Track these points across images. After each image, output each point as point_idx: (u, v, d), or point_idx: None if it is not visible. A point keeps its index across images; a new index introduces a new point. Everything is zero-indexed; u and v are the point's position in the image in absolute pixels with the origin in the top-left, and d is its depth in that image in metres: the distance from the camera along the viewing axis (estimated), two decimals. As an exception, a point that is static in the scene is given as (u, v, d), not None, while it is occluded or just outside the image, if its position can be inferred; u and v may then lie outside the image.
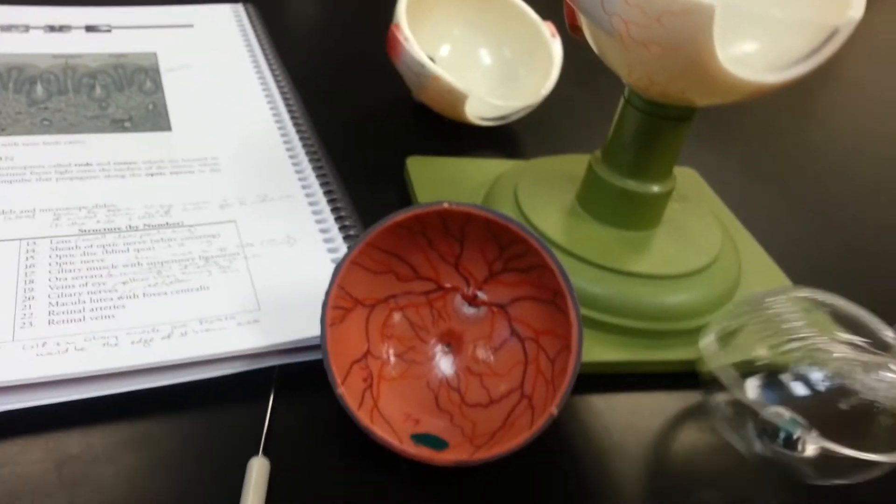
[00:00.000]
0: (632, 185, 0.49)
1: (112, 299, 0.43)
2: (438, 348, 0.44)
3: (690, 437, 0.44)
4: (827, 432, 0.39)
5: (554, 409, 0.37)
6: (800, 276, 0.56)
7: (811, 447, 0.39)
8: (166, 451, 0.37)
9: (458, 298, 0.44)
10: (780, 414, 0.39)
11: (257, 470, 0.36)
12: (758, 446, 0.40)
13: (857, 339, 0.42)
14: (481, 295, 0.43)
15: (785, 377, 0.40)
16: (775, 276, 0.56)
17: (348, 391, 0.39)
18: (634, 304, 0.48)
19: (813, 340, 0.41)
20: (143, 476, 0.36)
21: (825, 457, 0.38)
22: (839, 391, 0.39)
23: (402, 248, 0.42)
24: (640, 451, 0.42)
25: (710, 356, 0.42)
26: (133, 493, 0.35)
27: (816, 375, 0.40)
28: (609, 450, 0.42)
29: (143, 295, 0.43)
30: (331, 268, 0.48)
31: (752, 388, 0.41)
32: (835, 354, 0.40)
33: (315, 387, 0.40)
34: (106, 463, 0.36)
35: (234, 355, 0.41)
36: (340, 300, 0.40)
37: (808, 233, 0.65)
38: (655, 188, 0.50)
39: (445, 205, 0.39)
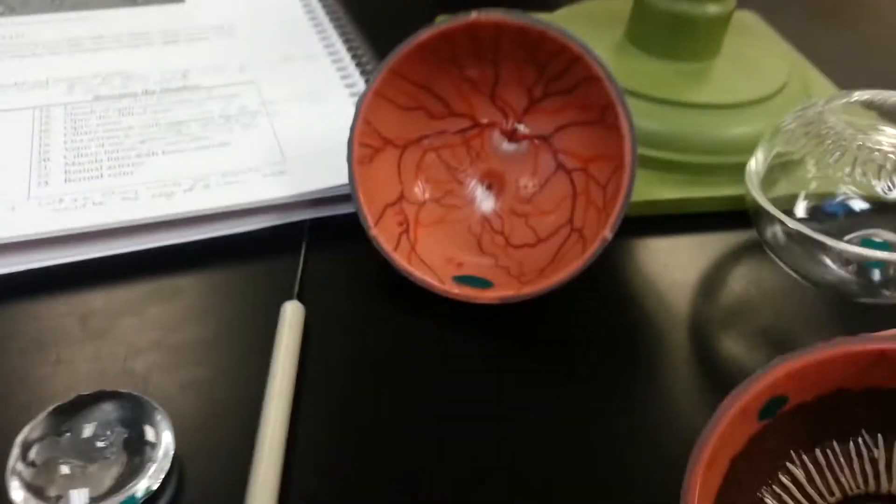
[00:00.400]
0: (684, 6, 0.44)
1: (130, 157, 0.40)
2: (478, 190, 0.40)
3: (751, 273, 0.40)
4: None
5: (608, 233, 0.33)
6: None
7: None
8: (195, 303, 0.36)
9: (496, 135, 0.40)
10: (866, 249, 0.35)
11: (291, 313, 0.34)
12: (829, 276, 0.36)
13: None
14: (521, 128, 0.39)
15: (845, 199, 0.36)
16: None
17: (382, 234, 0.36)
18: (693, 137, 0.43)
19: (875, 152, 0.35)
20: (170, 327, 0.34)
21: None
22: None
23: (432, 79, 0.38)
24: (697, 286, 0.39)
25: (756, 188, 0.37)
26: (160, 343, 0.34)
27: (882, 187, 0.34)
28: (665, 288, 0.39)
29: (163, 153, 0.41)
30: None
31: (809, 214, 0.37)
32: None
33: (350, 238, 0.37)
34: (131, 315, 0.35)
35: (262, 206, 0.38)
36: (367, 137, 0.37)
37: (881, 77, 0.58)
38: (712, 8, 0.44)
39: (474, 15, 0.35)
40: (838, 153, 0.35)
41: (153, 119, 0.43)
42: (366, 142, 0.37)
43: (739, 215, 0.41)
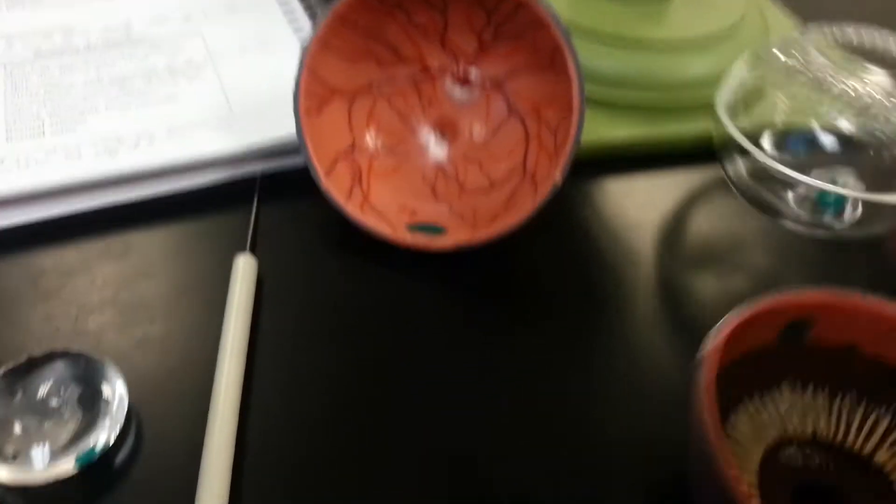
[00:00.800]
0: (639, -57, 0.43)
1: (72, 115, 0.39)
2: (431, 137, 0.40)
3: (713, 210, 0.41)
4: (865, 183, 0.36)
5: (557, 176, 0.34)
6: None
7: (852, 209, 0.35)
8: (146, 260, 0.35)
9: (447, 81, 0.40)
10: (824, 185, 0.34)
11: (243, 266, 0.34)
12: (791, 212, 0.37)
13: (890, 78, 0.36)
14: (473, 72, 0.39)
15: (812, 132, 0.36)
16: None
17: (334, 185, 0.36)
18: (650, 75, 0.43)
19: (842, 87, 0.35)
20: (122, 284, 0.34)
21: (867, 212, 0.35)
22: (873, 141, 0.35)
23: (379, 25, 0.37)
24: (658, 226, 0.39)
25: (727, 119, 0.37)
26: (112, 300, 0.34)
27: (847, 126, 0.35)
28: (625, 228, 0.39)
29: (105, 108, 0.40)
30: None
31: (774, 150, 0.37)
32: (866, 99, 0.35)
33: (304, 190, 0.37)
34: (82, 274, 0.34)
35: (210, 160, 0.38)
36: (314, 86, 0.36)
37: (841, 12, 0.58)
38: (666, -55, 0.44)
39: None
40: (813, 89, 0.35)
41: (96, 75, 0.42)
42: (313, 91, 0.36)
43: (700, 153, 0.41)
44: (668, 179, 0.42)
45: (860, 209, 0.35)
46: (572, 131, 0.34)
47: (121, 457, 0.28)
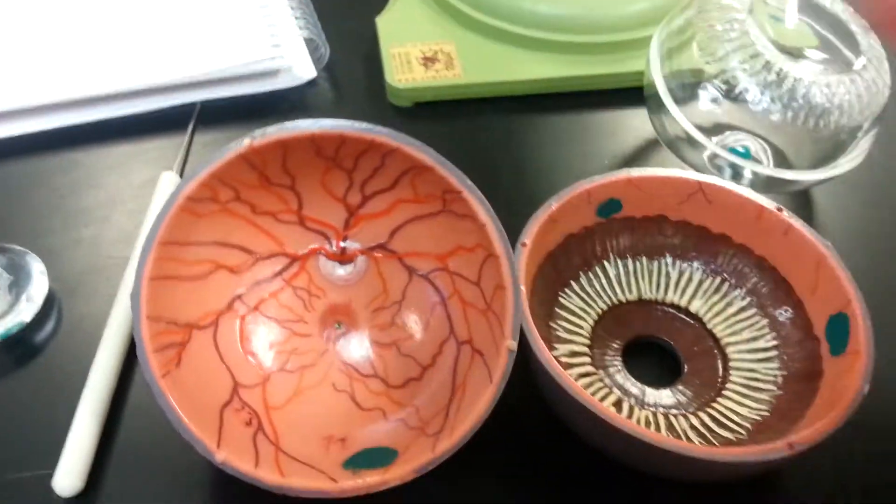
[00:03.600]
0: None
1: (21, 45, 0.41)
2: (327, 335, 0.32)
3: (643, 154, 0.41)
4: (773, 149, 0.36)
5: (511, 343, 0.27)
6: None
7: (752, 171, 0.35)
8: (92, 174, 0.40)
9: (322, 262, 0.32)
10: (725, 147, 0.36)
11: (166, 182, 0.37)
12: (698, 161, 0.36)
13: (812, 46, 0.35)
14: (350, 244, 0.32)
15: (721, 88, 0.35)
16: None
17: (232, 450, 0.26)
18: (582, 16, 0.43)
19: (756, 45, 0.34)
20: (68, 194, 0.39)
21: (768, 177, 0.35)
22: (779, 103, 0.33)
23: (219, 231, 0.29)
24: (589, 166, 0.40)
25: (651, 68, 0.37)
26: (59, 206, 0.38)
27: (753, 86, 0.34)
28: (554, 165, 0.40)
29: (56, 37, 0.42)
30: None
31: (691, 101, 0.36)
32: (777, 63, 0.33)
33: (241, 118, 0.41)
34: (38, 185, 0.39)
35: (154, 88, 0.41)
36: (164, 335, 0.27)
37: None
38: None
39: (246, 142, 0.27)
40: (727, 46, 0.34)
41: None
42: (163, 342, 0.27)
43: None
44: (604, 117, 0.43)
45: (761, 176, 0.35)
46: (506, 281, 0.27)
47: (40, 336, 0.33)
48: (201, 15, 0.44)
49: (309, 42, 0.44)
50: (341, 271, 0.32)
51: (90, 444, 0.29)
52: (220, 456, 0.26)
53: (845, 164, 0.35)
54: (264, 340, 0.31)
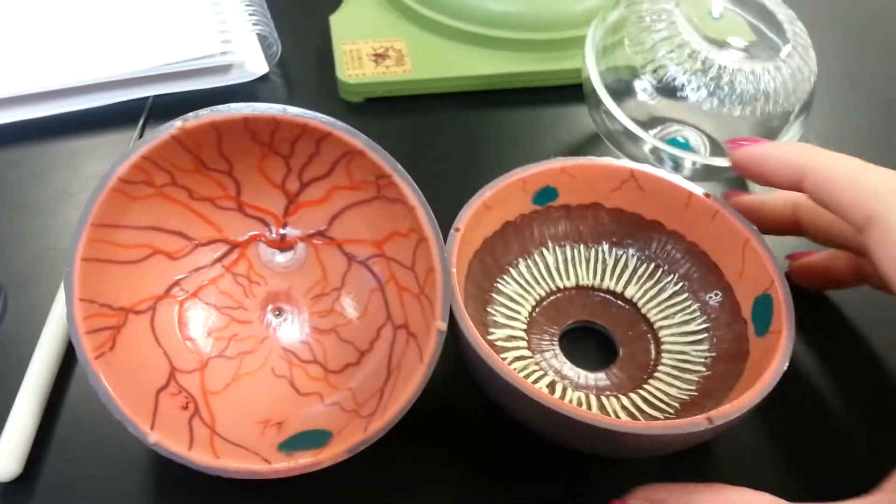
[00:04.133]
0: None
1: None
2: (267, 321, 0.32)
3: (587, 149, 0.42)
4: (710, 139, 0.37)
5: (440, 324, 0.27)
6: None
7: (692, 161, 0.36)
8: (40, 169, 0.40)
9: (263, 249, 0.32)
10: (663, 140, 0.37)
11: None
12: (641, 155, 0.37)
13: (739, 32, 0.36)
14: (290, 231, 0.32)
15: (652, 82, 0.35)
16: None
17: (166, 433, 0.27)
18: (529, 14, 0.45)
19: (682, 35, 0.35)
20: (16, 189, 0.39)
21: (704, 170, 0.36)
22: (704, 90, 0.34)
23: (154, 215, 0.29)
24: (536, 160, 0.37)
25: (587, 65, 0.38)
26: (8, 202, 0.38)
27: (681, 76, 0.35)
28: (502, 159, 0.41)
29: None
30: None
31: (628, 97, 0.37)
32: (703, 52, 0.34)
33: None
34: None
35: (104, 83, 0.40)
36: (97, 317, 0.27)
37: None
38: None
39: (178, 124, 0.27)
40: (654, 37, 0.35)
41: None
42: (96, 324, 0.27)
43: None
44: (546, 114, 0.44)
45: (699, 166, 0.36)
46: (436, 265, 0.27)
47: None
48: (151, 9, 0.44)
49: (261, 38, 0.44)
50: (281, 258, 0.32)
51: (29, 429, 0.29)
52: (153, 438, 0.26)
53: None
54: (203, 326, 0.31)
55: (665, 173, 0.31)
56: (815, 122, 0.42)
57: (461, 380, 0.30)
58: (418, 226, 0.28)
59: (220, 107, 0.27)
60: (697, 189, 0.31)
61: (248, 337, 0.31)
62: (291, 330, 0.32)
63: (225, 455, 0.27)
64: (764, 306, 0.28)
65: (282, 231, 0.32)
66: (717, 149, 0.37)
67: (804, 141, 0.36)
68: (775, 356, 0.26)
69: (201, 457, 0.26)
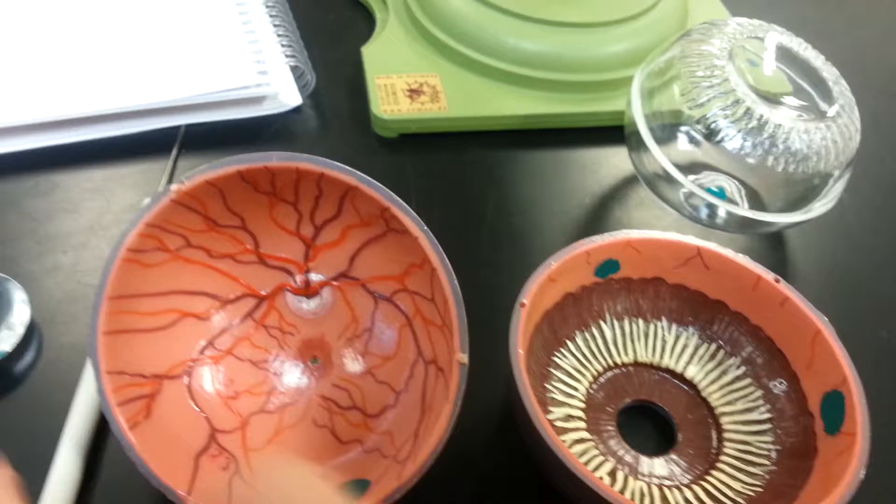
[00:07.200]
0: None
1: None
2: (304, 370, 0.30)
3: (621, 191, 0.41)
4: (748, 195, 0.37)
5: (461, 356, 0.26)
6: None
7: (727, 211, 0.35)
8: (70, 198, 0.37)
9: (289, 298, 0.31)
10: (701, 187, 0.35)
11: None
12: (676, 199, 0.36)
13: (787, 92, 0.36)
14: (314, 277, 0.30)
15: (701, 131, 0.34)
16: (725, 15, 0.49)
17: (205, 495, 0.25)
18: (566, 56, 0.43)
19: (737, 92, 0.34)
20: (45, 218, 0.36)
21: (743, 218, 0.35)
22: (759, 148, 0.33)
23: (176, 279, 0.28)
24: (569, 202, 0.40)
25: (632, 107, 0.37)
26: (35, 231, 0.36)
27: (733, 131, 0.34)
28: (536, 201, 0.40)
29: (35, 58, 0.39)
30: None
31: (670, 141, 0.36)
32: (757, 110, 0.34)
33: (225, 143, 0.40)
34: (11, 208, 0.36)
35: (138, 110, 0.38)
36: (129, 388, 0.25)
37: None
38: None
39: (174, 188, 0.26)
40: (709, 92, 0.34)
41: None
42: (129, 397, 0.25)
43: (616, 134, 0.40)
44: (583, 155, 0.42)
45: (735, 216, 0.35)
46: (448, 295, 0.26)
47: (20, 365, 0.31)
48: (188, 38, 0.42)
49: (295, 69, 0.42)
50: (309, 305, 0.31)
51: (73, 482, 0.27)
52: (191, 502, 0.24)
53: (819, 207, 0.35)
54: (241, 383, 0.29)
55: (732, 253, 0.30)
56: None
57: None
58: (425, 256, 0.27)
59: (213, 163, 0.26)
60: (767, 273, 0.30)
61: (286, 389, 0.30)
62: (329, 376, 0.30)
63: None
64: (835, 404, 0.27)
65: (305, 277, 0.30)
66: (753, 200, 0.36)
67: (840, 199, 0.36)
68: (851, 462, 0.25)
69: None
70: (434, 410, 0.27)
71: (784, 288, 0.29)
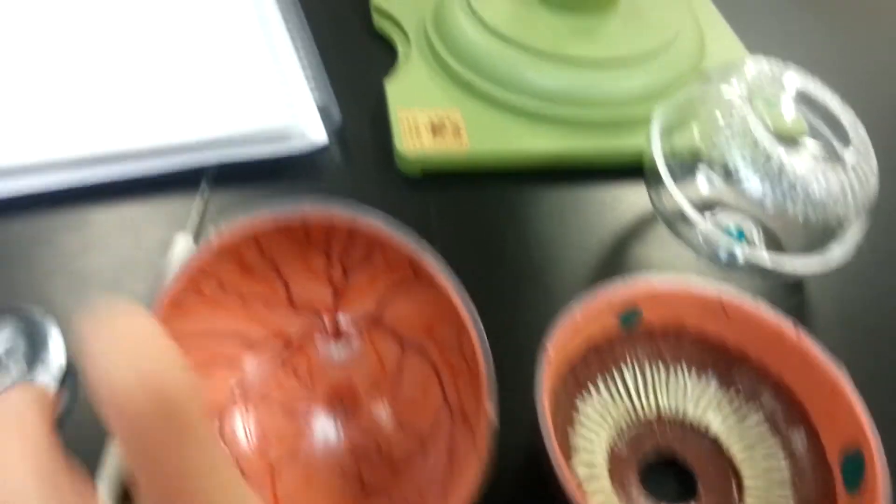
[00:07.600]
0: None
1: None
2: (333, 418, 0.31)
3: (640, 230, 0.41)
4: (765, 235, 0.37)
5: (488, 406, 0.25)
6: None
7: (745, 256, 0.35)
8: (101, 234, 0.38)
9: (319, 342, 0.31)
10: (719, 224, 0.37)
11: (180, 245, 0.35)
12: (694, 239, 0.36)
13: (806, 135, 0.37)
14: (343, 320, 0.31)
15: (720, 173, 0.35)
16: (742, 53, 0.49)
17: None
18: (587, 91, 0.43)
19: (756, 136, 0.34)
20: (77, 255, 0.37)
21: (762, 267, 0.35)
22: (777, 192, 0.34)
23: (206, 322, 0.29)
24: (589, 240, 0.40)
25: (651, 146, 0.37)
26: (68, 268, 0.36)
27: (752, 175, 0.34)
28: (556, 238, 0.40)
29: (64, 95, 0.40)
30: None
31: (689, 180, 0.36)
32: (776, 154, 0.34)
33: (255, 180, 0.40)
34: (44, 243, 0.37)
35: (167, 148, 0.39)
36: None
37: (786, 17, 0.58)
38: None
39: (215, 240, 0.27)
40: (727, 133, 0.34)
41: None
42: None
43: (633, 171, 0.40)
44: (602, 193, 0.42)
45: (754, 261, 0.35)
46: (477, 350, 0.26)
47: (56, 411, 0.30)
48: (218, 74, 0.43)
49: (321, 107, 0.42)
50: (338, 350, 0.31)
51: None
52: None
53: (840, 254, 0.35)
54: (268, 430, 0.30)
55: (753, 302, 0.31)
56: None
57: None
58: (453, 306, 0.27)
59: (250, 216, 0.28)
60: (788, 324, 0.30)
61: (315, 435, 0.30)
62: (357, 423, 0.31)
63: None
64: (854, 460, 0.27)
65: (335, 322, 0.31)
66: (770, 241, 0.37)
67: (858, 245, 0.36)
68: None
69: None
70: (460, 461, 0.27)
71: (803, 338, 0.30)
